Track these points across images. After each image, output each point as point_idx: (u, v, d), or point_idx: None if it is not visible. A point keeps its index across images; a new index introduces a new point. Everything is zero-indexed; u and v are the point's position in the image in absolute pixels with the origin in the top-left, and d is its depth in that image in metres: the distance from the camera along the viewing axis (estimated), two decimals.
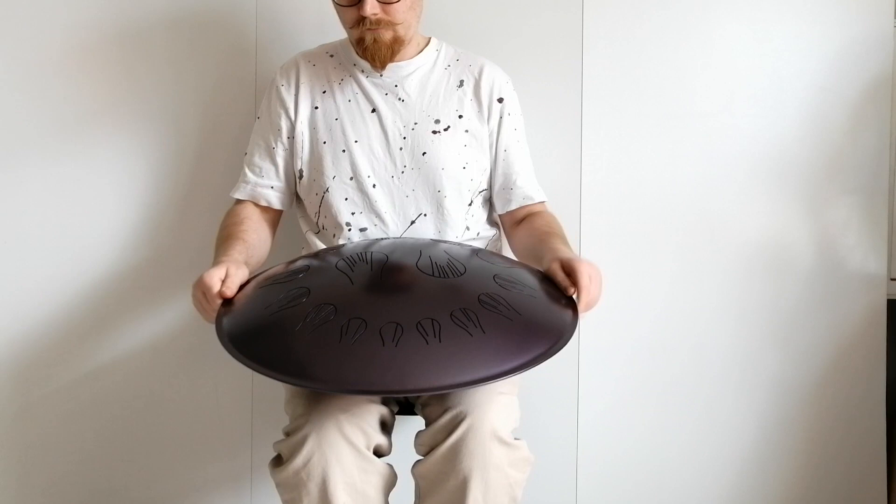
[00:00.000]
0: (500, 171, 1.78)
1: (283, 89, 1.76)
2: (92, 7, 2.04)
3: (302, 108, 1.75)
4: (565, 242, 1.68)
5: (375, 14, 1.60)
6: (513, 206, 1.80)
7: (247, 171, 1.79)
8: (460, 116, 1.74)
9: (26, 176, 2.05)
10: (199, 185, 2.07)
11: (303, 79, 1.76)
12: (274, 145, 1.76)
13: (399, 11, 1.62)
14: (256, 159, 1.78)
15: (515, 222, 1.81)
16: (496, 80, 1.77)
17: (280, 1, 2.07)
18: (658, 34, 2.08)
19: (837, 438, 2.09)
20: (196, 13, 2.06)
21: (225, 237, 1.68)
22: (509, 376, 1.27)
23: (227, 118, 2.06)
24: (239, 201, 1.79)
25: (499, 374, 1.26)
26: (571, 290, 1.50)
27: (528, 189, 1.80)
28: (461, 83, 1.76)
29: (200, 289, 1.48)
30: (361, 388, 1.25)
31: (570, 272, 1.51)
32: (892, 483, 2.08)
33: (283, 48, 2.01)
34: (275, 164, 1.77)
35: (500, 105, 1.76)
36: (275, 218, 1.81)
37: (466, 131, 1.74)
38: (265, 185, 1.77)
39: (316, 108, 1.74)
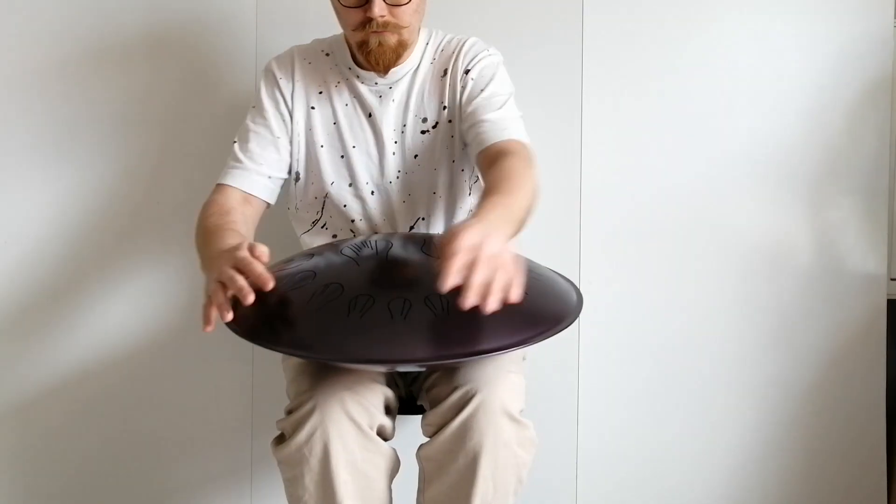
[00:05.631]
0: (464, 126, 1.66)
1: (281, 82, 1.71)
2: (91, 8, 2.05)
3: (297, 106, 1.70)
4: (499, 205, 1.35)
5: (383, 16, 1.55)
6: (474, 152, 1.62)
7: (241, 155, 1.66)
8: (444, 108, 1.70)
9: (26, 176, 2.04)
10: (203, 185, 2.04)
11: (298, 76, 1.71)
12: (278, 135, 1.69)
13: (406, 14, 1.59)
14: (254, 146, 1.67)
15: (483, 170, 1.59)
16: (467, 54, 1.70)
17: (280, 1, 2.07)
18: (658, 34, 2.09)
19: (837, 438, 2.08)
20: (196, 14, 2.07)
21: (213, 229, 1.52)
22: (518, 348, 1.25)
23: (229, 119, 2.05)
24: (219, 189, 1.66)
25: (507, 346, 1.24)
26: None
27: (487, 132, 1.59)
28: (445, 72, 1.71)
29: (230, 266, 1.30)
30: (370, 359, 1.24)
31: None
32: (892, 483, 2.07)
33: (283, 48, 2.01)
34: (279, 153, 1.68)
35: (465, 76, 1.68)
36: (258, 214, 1.68)
37: (450, 121, 1.70)
38: (263, 173, 1.66)
39: (312, 108, 1.70)
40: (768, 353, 2.09)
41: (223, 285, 1.30)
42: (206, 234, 1.52)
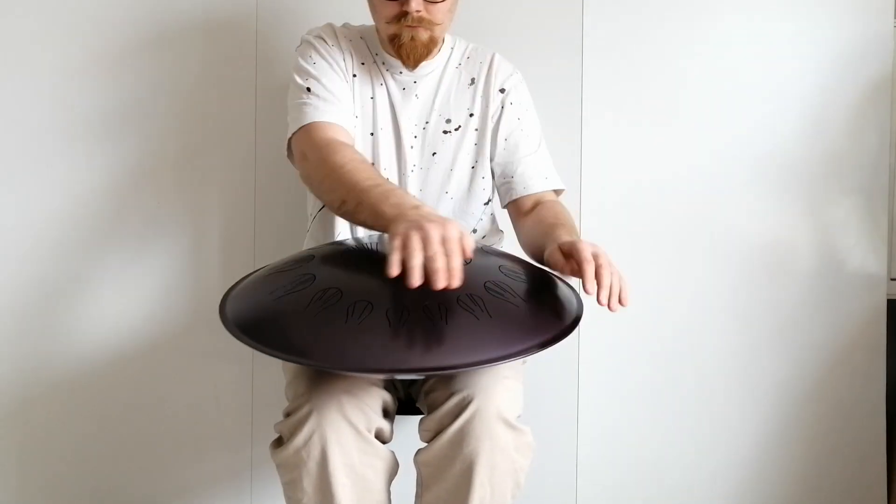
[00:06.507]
0: (498, 160, 1.73)
1: (329, 42, 1.68)
2: (91, 8, 2.05)
3: (347, 67, 1.68)
4: (572, 234, 1.53)
5: (419, 11, 1.57)
6: (512, 196, 1.72)
7: (322, 93, 1.60)
8: (471, 115, 1.72)
9: (26, 176, 2.04)
10: (204, 185, 2.06)
11: (343, 44, 1.69)
12: (340, 76, 1.65)
13: (441, 12, 1.60)
14: (337, 88, 1.62)
15: (521, 214, 1.70)
16: (500, 71, 1.75)
17: (280, 1, 2.07)
18: (658, 34, 2.09)
19: (837, 438, 2.09)
20: (196, 13, 2.07)
21: (378, 183, 1.43)
22: (516, 358, 1.25)
23: (228, 119, 2.06)
24: (316, 129, 1.56)
25: (505, 356, 1.24)
26: (568, 270, 1.40)
27: (529, 178, 1.71)
28: (472, 80, 1.74)
29: (442, 240, 1.25)
30: (367, 367, 1.23)
31: (569, 254, 1.40)
32: (892, 483, 2.07)
33: (283, 48, 2.02)
34: (347, 92, 1.65)
35: (501, 95, 1.73)
36: None
37: (476, 129, 1.72)
38: (348, 110, 1.63)
39: (354, 75, 1.69)
40: (768, 352, 2.09)
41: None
42: (371, 183, 1.43)
